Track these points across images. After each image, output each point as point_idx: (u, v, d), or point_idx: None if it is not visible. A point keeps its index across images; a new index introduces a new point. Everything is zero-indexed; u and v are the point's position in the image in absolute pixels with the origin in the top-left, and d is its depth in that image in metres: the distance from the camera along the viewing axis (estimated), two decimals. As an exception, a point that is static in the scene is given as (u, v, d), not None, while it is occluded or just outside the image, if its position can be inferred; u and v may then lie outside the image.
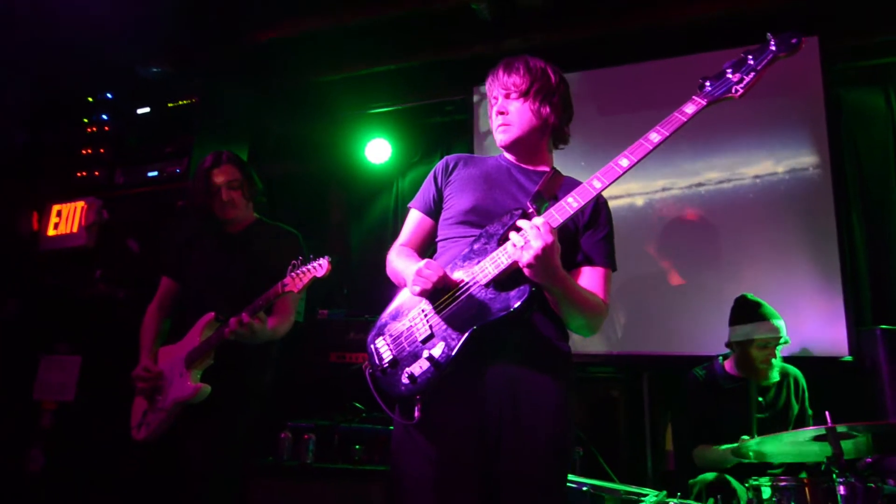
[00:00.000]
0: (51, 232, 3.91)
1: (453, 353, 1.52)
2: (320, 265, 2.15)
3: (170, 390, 2.38)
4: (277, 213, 4.08)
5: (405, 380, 1.57)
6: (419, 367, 1.56)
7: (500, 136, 1.81)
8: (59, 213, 3.90)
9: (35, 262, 3.98)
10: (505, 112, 1.79)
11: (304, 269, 2.18)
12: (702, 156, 3.83)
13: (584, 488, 2.47)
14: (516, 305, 1.50)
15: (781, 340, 2.83)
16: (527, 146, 1.82)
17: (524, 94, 1.77)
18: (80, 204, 3.85)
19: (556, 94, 1.79)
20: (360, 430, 3.45)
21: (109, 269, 3.75)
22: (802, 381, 2.94)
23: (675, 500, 2.25)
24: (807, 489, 2.18)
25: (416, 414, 1.53)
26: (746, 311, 2.92)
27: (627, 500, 2.40)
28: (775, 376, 2.88)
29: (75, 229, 3.82)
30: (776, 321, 2.85)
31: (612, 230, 1.78)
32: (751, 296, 2.98)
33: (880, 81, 3.98)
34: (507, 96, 1.79)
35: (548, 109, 1.77)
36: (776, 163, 3.68)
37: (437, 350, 1.55)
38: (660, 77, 3.87)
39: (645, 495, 2.36)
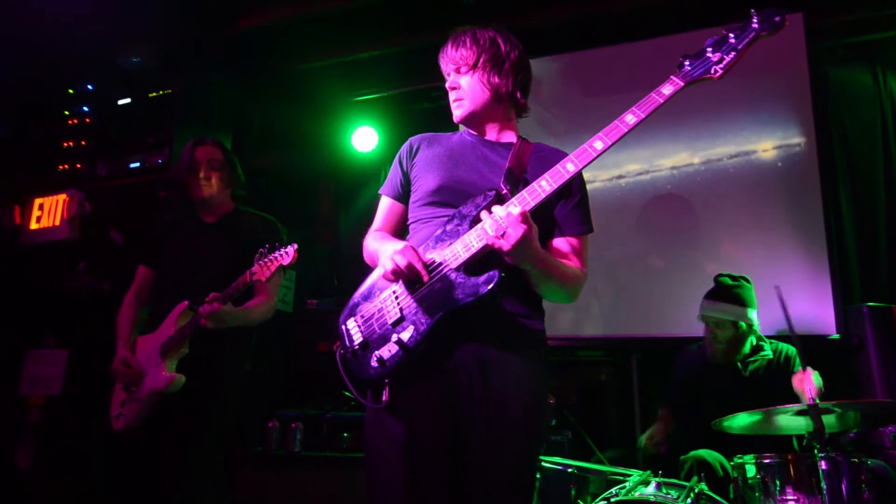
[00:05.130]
0: (33, 226, 3.89)
1: (422, 338, 1.51)
2: (286, 253, 2.15)
3: (146, 380, 2.37)
4: (264, 204, 4.04)
5: (374, 363, 1.55)
6: (388, 351, 1.55)
7: (456, 112, 1.79)
8: (41, 207, 3.88)
9: (18, 256, 3.95)
10: (456, 87, 1.77)
11: (271, 257, 2.18)
12: (683, 137, 3.81)
13: (570, 470, 2.47)
14: (485, 291, 1.48)
15: (744, 325, 2.83)
16: (484, 119, 1.80)
17: (473, 67, 1.74)
18: (63, 197, 3.83)
19: (505, 61, 1.75)
20: (348, 418, 3.45)
21: (93, 262, 3.72)
22: (794, 359, 2.93)
23: (659, 479, 2.24)
24: (791, 466, 2.18)
25: (384, 398, 1.52)
26: (711, 289, 2.98)
27: (612, 480, 2.40)
28: (739, 359, 2.87)
29: (58, 222, 3.80)
30: (727, 304, 2.86)
31: (586, 194, 1.75)
32: (723, 276, 2.98)
33: (868, 59, 3.94)
34: (457, 71, 1.77)
35: (497, 79, 1.74)
36: (762, 142, 3.66)
37: (407, 334, 1.53)
38: (648, 57, 3.84)
39: (629, 475, 2.36)
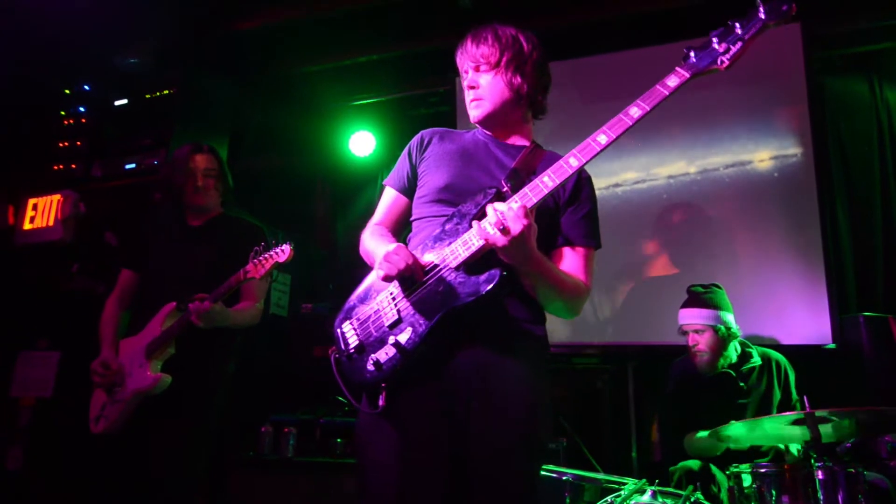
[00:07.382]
0: (27, 226, 3.85)
1: (420, 340, 1.46)
2: (282, 250, 2.14)
3: (129, 381, 2.33)
4: (260, 207, 4.03)
5: (370, 366, 1.50)
6: (385, 354, 1.49)
7: (473, 112, 1.71)
8: (35, 207, 3.84)
9: (11, 256, 3.92)
10: (476, 86, 1.69)
11: (266, 255, 2.17)
12: (679, 145, 3.81)
13: (565, 477, 2.45)
14: (486, 290, 1.43)
15: (723, 328, 2.84)
16: (502, 120, 1.72)
17: (494, 66, 1.67)
18: (57, 197, 3.79)
19: (528, 62, 1.67)
20: (341, 423, 3.43)
21: (87, 263, 3.69)
22: (786, 367, 2.93)
23: (654, 488, 2.23)
24: (787, 475, 2.17)
25: (381, 402, 1.47)
26: (684, 300, 3.00)
27: (608, 488, 2.39)
28: (724, 366, 2.87)
29: (52, 223, 3.77)
30: (701, 309, 2.88)
31: (595, 207, 1.69)
32: (695, 286, 3.00)
33: (864, 69, 3.96)
34: (476, 69, 1.70)
35: (520, 79, 1.66)
36: (759, 152, 3.66)
37: (404, 336, 1.48)
38: (651, 64, 3.83)
39: (625, 484, 2.34)
